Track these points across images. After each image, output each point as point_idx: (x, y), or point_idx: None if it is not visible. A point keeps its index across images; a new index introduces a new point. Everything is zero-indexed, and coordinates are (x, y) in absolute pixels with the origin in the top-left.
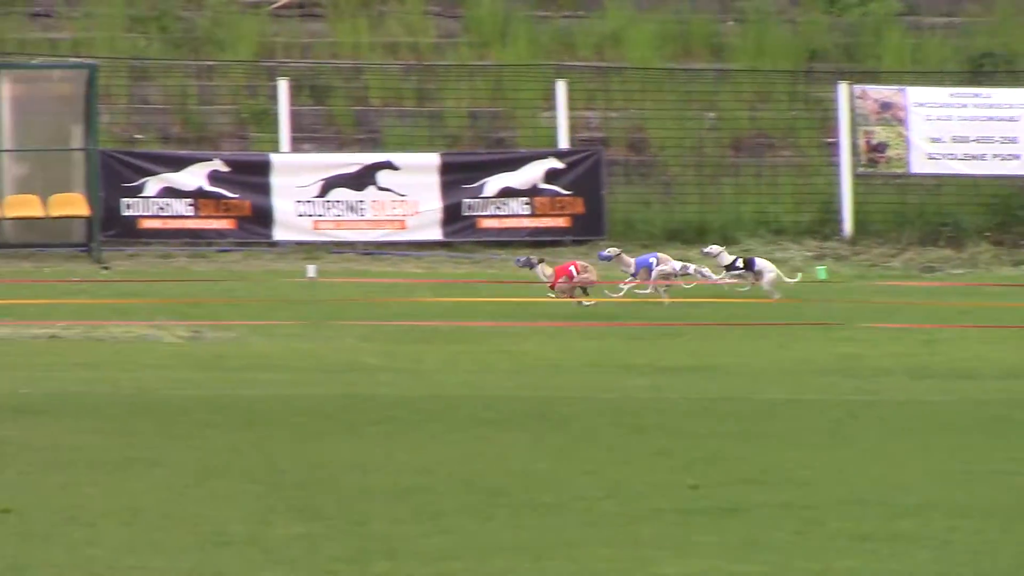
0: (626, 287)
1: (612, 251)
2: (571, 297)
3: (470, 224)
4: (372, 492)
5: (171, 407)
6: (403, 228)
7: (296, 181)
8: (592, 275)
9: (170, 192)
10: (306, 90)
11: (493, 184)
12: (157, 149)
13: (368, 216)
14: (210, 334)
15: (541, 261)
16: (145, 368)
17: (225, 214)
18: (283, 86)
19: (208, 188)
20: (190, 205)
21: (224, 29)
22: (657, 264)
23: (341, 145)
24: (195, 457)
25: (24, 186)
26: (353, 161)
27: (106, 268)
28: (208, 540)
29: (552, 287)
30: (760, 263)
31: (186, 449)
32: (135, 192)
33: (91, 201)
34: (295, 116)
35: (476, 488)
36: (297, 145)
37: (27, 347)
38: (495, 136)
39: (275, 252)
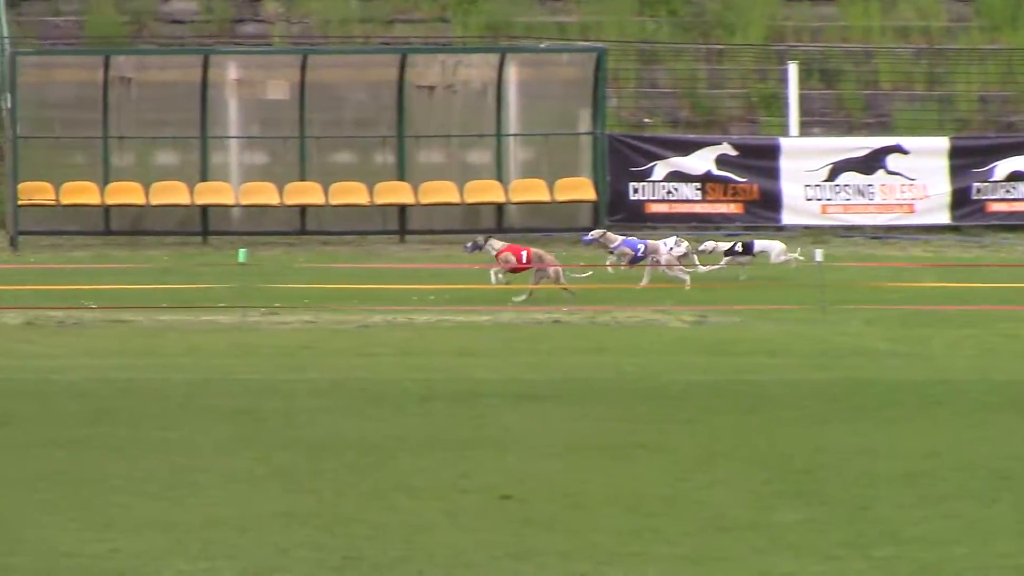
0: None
1: (595, 233)
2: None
3: (979, 208)
4: (876, 477)
5: (675, 392)
6: (911, 212)
7: (805, 165)
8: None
9: (678, 176)
10: (816, 74)
11: (1003, 168)
12: (665, 133)
13: (877, 200)
14: (715, 319)
15: (488, 240)
16: (649, 353)
17: (732, 198)
18: (792, 70)
19: (716, 172)
20: (698, 189)
21: (734, 12)
22: (670, 248)
23: (850, 129)
24: (698, 442)
25: (530, 170)
26: (862, 145)
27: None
28: (710, 525)
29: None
30: (760, 244)
31: (690, 434)
32: (643, 176)
33: (598, 185)
34: (804, 100)
35: (980, 472)
36: (806, 129)
37: (531, 332)
38: (1006, 120)
39: (782, 236)
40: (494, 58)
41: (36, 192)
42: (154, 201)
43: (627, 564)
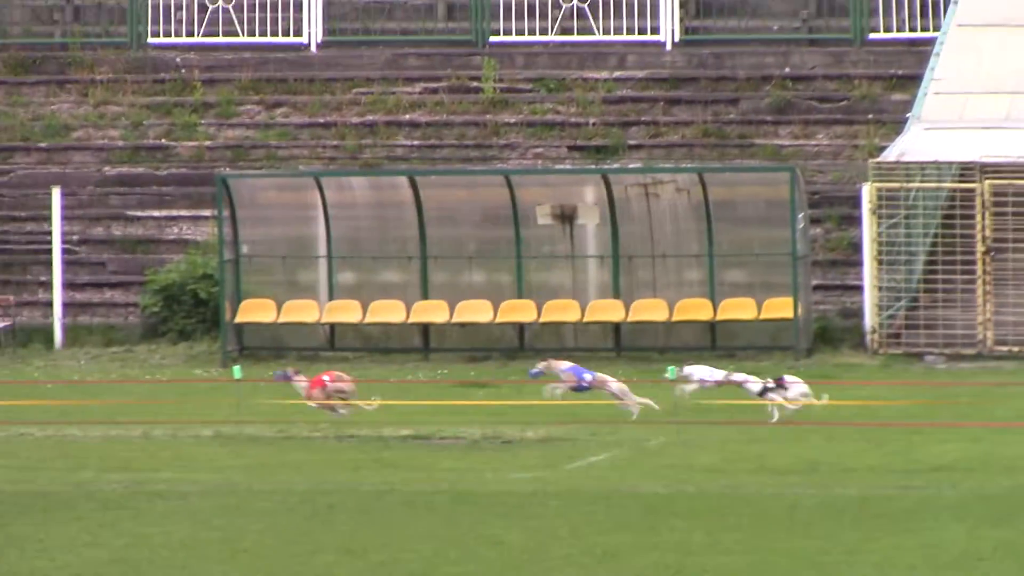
0: (560, 391)
1: (541, 366)
2: (330, 408)
3: None
4: None
5: None
6: None
7: None
8: (346, 384)
9: None
10: None
11: None
12: None
13: None
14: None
15: (297, 372)
16: None
17: None
18: None
19: None
20: None
21: None
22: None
23: None
24: None
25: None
26: None
27: None
28: None
29: (308, 397)
30: (789, 379)
31: None
32: None
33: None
34: None
35: None
36: None
37: None
38: None
39: None
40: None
41: (257, 309)
42: (369, 319)
43: None
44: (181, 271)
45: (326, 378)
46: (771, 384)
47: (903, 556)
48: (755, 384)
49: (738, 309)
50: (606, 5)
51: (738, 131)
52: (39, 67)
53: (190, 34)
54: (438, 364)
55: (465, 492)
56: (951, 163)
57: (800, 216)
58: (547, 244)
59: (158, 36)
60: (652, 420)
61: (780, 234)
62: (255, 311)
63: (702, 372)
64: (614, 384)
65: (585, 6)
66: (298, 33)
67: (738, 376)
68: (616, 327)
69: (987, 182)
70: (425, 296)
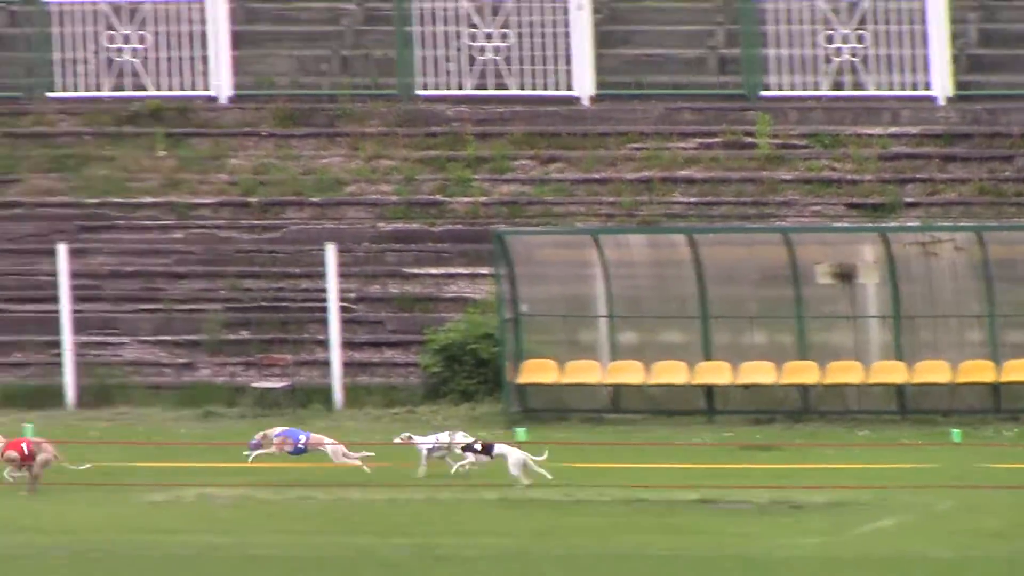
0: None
1: (258, 436)
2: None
3: None
4: None
5: None
6: None
7: None
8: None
9: None
10: None
11: None
12: None
13: None
14: None
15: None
16: None
17: None
18: None
19: None
20: None
21: None
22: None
23: None
24: None
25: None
26: None
27: None
28: None
29: None
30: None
31: None
32: None
33: None
34: None
35: None
36: None
37: None
38: None
39: None
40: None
41: (539, 369)
42: (652, 380)
43: None
44: (461, 330)
45: (24, 445)
46: None
47: None
48: None
49: (1022, 371)
50: (877, 59)
51: (1015, 188)
52: (308, 120)
53: (460, 86)
54: (722, 426)
55: (754, 558)
56: None
57: None
58: (828, 303)
59: (427, 88)
60: (938, 484)
61: None
62: (537, 371)
63: None
64: (330, 445)
65: (857, 60)
66: (569, 87)
67: None
68: (899, 389)
69: None
70: (707, 357)
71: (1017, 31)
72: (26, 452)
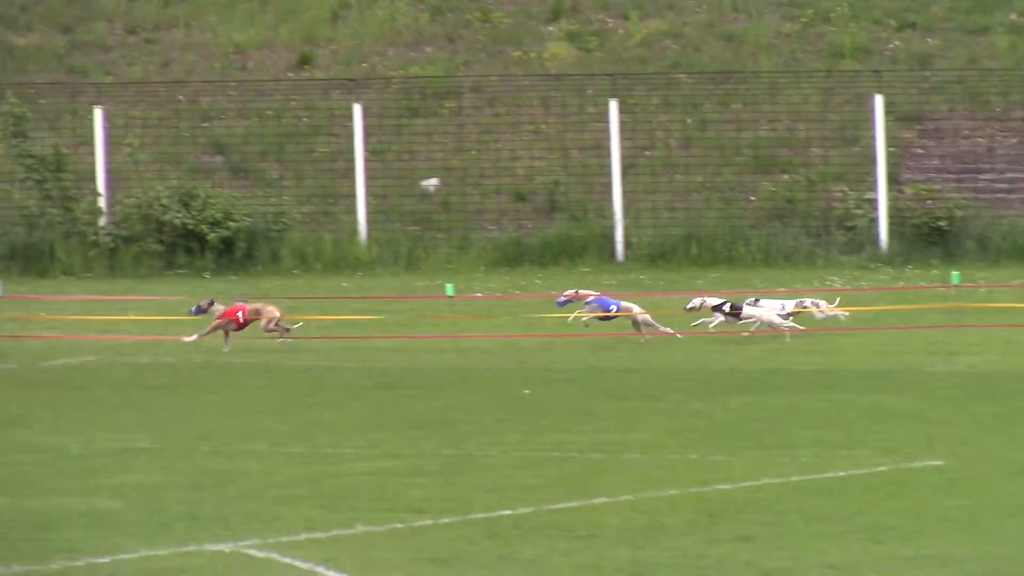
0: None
1: (568, 293)
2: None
3: None
4: None
5: None
6: None
7: None
8: (266, 312)
9: None
10: None
11: None
12: None
13: None
14: None
15: (211, 303)
16: None
17: None
18: None
19: None
20: None
21: None
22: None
23: None
24: None
25: None
26: None
27: None
28: None
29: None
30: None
31: None
32: None
33: None
34: None
35: None
36: None
37: None
38: None
39: None
40: None
41: None
42: None
43: None
44: None
45: (240, 313)
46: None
47: None
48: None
49: None
50: None
51: None
52: None
53: None
54: None
55: None
56: None
57: None
58: None
59: None
60: None
61: None
62: None
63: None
64: (640, 314)
65: None
66: None
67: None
68: None
69: None
70: None
71: None
72: (241, 320)
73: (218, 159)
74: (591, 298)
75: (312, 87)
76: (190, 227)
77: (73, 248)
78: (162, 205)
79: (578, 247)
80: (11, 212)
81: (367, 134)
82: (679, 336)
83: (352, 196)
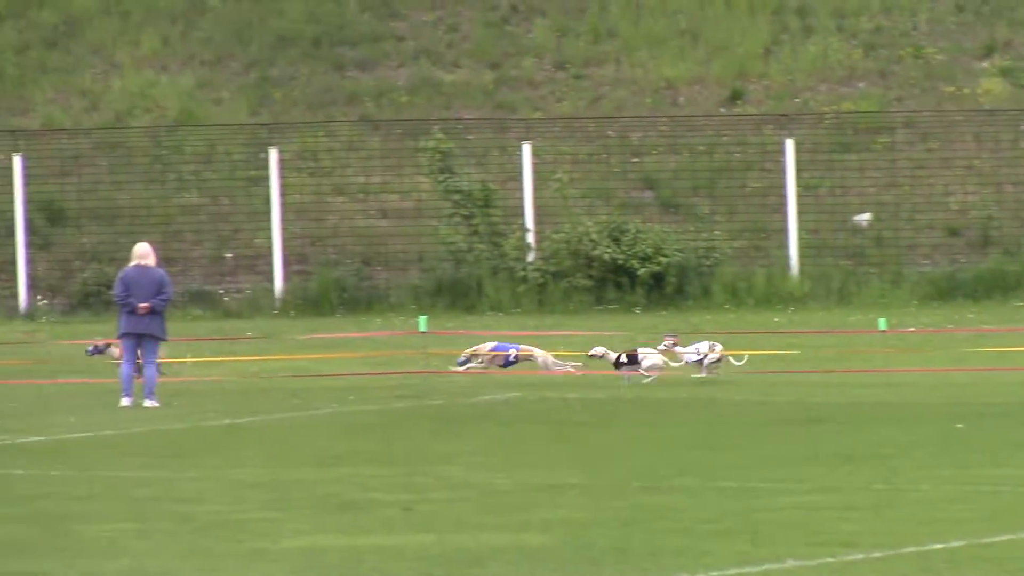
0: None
1: (466, 354)
2: None
3: None
4: None
5: None
6: None
7: None
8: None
9: None
10: None
11: None
12: None
13: None
14: None
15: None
16: None
17: None
18: None
19: None
20: None
21: None
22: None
23: None
24: None
25: None
26: None
27: None
28: None
29: None
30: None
31: None
32: None
33: None
34: None
35: None
36: None
37: None
38: None
39: None
40: None
41: None
42: None
43: None
44: None
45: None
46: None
47: None
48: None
49: None
50: None
51: None
52: None
53: None
54: None
55: None
56: None
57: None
58: None
59: None
60: None
61: None
62: None
63: None
64: (540, 355)
65: None
66: None
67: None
68: None
69: None
70: None
71: None
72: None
73: (648, 194)
74: (489, 346)
75: (744, 122)
76: (620, 262)
77: (501, 284)
78: (591, 240)
79: (1012, 282)
80: (438, 248)
81: (799, 169)
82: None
83: (783, 231)
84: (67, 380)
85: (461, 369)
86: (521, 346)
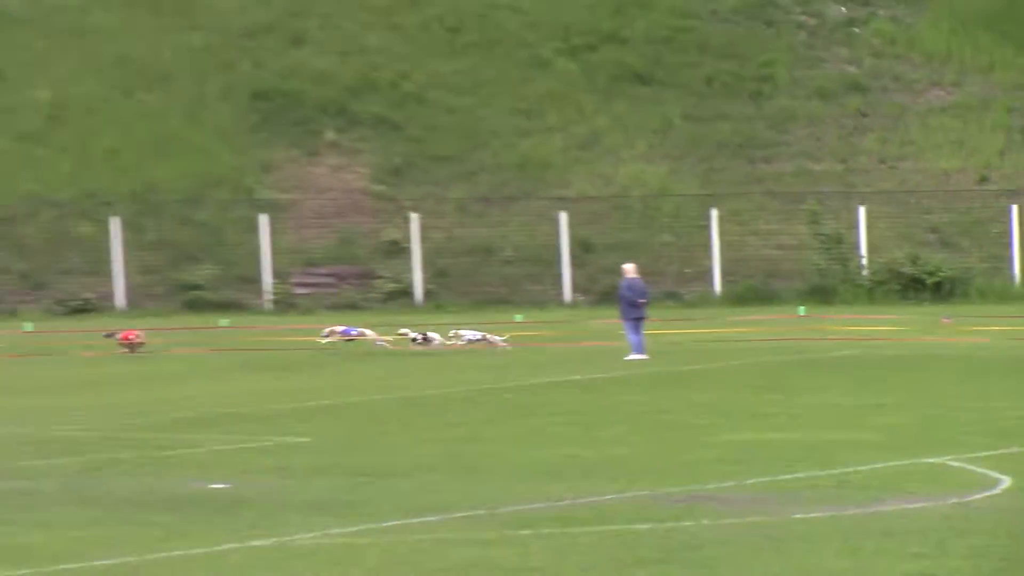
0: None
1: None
2: None
3: None
4: None
5: None
6: None
7: None
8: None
9: None
10: None
11: None
12: None
13: None
14: None
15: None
16: None
17: None
18: None
19: None
20: None
21: None
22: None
23: None
24: None
25: None
26: None
27: None
28: None
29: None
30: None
31: None
32: None
33: None
34: None
35: None
36: None
37: None
38: None
39: None
40: None
41: None
42: None
43: None
44: None
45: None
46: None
47: None
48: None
49: None
50: None
51: None
52: None
53: None
54: None
55: None
56: None
57: None
58: None
59: None
60: None
61: None
62: None
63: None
64: (370, 335)
65: None
66: None
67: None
68: None
69: None
70: None
71: None
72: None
73: (932, 236)
74: (341, 328)
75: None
76: (915, 276)
77: (847, 289)
78: (899, 263)
79: None
80: (812, 267)
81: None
82: (388, 346)
83: (1009, 257)
84: (594, 343)
85: (324, 341)
86: (357, 328)
